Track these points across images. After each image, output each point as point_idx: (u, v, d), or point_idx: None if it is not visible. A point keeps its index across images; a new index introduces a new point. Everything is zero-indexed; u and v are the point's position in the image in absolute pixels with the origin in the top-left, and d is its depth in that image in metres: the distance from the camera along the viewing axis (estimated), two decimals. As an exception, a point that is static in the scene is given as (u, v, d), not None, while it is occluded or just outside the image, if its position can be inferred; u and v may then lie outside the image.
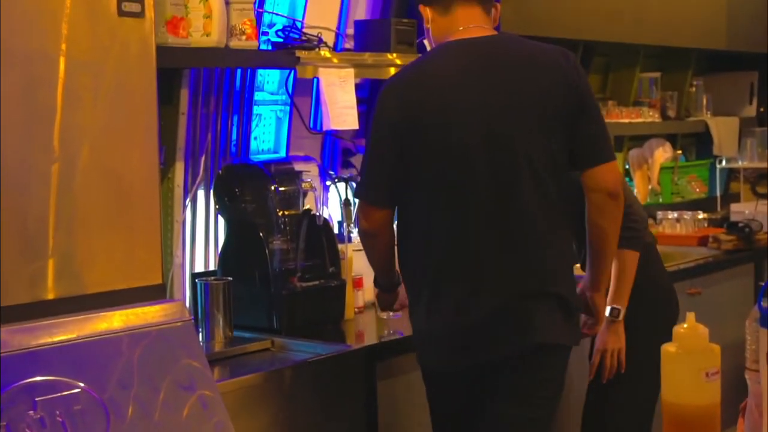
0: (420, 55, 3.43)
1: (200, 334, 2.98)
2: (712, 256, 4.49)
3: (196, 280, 3.05)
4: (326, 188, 3.57)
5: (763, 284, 1.47)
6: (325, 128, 3.43)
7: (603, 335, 3.01)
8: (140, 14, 2.27)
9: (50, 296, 2.13)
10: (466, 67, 2.57)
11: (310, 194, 3.21)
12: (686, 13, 4.95)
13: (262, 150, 3.60)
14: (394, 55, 3.50)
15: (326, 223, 3.19)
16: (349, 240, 3.40)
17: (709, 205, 5.49)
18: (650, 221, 4.92)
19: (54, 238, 2.13)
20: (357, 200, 2.74)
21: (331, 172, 3.70)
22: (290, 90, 3.54)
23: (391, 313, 3.14)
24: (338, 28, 3.58)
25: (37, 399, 1.96)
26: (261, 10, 3.37)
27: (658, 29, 4.75)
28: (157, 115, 2.36)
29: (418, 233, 2.60)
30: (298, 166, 3.25)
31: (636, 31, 4.62)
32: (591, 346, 3.09)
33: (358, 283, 3.35)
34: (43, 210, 2.11)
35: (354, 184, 3.69)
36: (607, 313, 2.93)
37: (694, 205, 5.27)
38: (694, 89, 5.47)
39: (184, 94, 3.22)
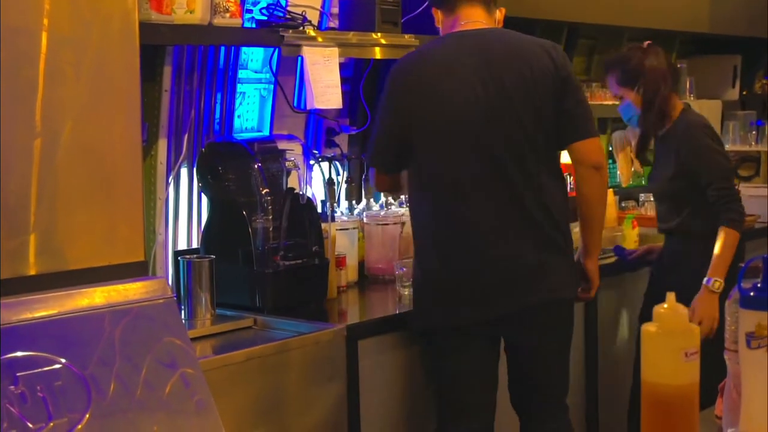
0: (405, 35, 3.48)
1: (182, 312, 2.97)
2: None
3: (179, 258, 3.05)
4: (310, 167, 3.57)
5: (743, 265, 1.48)
6: (308, 107, 3.42)
7: (700, 304, 3.38)
8: (123, -10, 2.26)
9: (31, 272, 2.12)
10: (461, 51, 2.88)
11: (294, 173, 3.20)
12: (670, -4, 4.96)
13: (246, 128, 3.60)
14: (379, 34, 3.50)
15: (309, 202, 3.19)
16: (333, 219, 3.40)
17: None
18: (632, 203, 4.97)
19: (35, 214, 2.12)
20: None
21: (315, 152, 3.70)
22: (274, 68, 3.53)
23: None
24: (323, 6, 3.57)
25: (18, 374, 1.96)
26: (245, -12, 3.36)
27: (642, 12, 4.75)
28: (140, 91, 2.35)
29: (428, 202, 2.89)
30: (281, 145, 3.24)
31: (620, 13, 4.63)
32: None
33: (341, 263, 3.35)
34: (24, 186, 2.10)
35: (338, 164, 3.70)
36: (705, 282, 3.38)
37: (676, 188, 5.28)
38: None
39: (167, 71, 3.21)
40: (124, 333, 2.17)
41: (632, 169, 5.14)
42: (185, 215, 3.39)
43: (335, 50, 3.37)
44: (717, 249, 3.40)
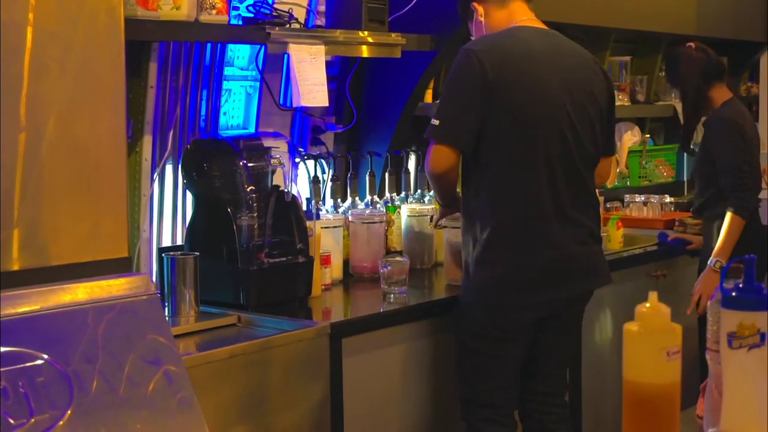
0: (392, 33, 3.49)
1: (166, 309, 2.96)
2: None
3: (163, 255, 3.04)
4: (295, 165, 3.56)
5: (723, 266, 1.49)
6: (294, 105, 3.42)
7: (702, 281, 3.83)
8: (109, -15, 2.25)
9: (15, 267, 2.12)
10: (544, 47, 3.00)
11: (279, 171, 3.20)
12: (657, -2, 4.97)
13: (232, 125, 3.59)
14: (366, 33, 3.50)
15: (294, 199, 3.18)
16: (318, 217, 3.39)
17: (677, 190, 5.53)
18: (617, 204, 4.98)
19: (19, 209, 2.11)
20: (432, 141, 3.00)
21: (301, 149, 3.70)
22: (260, 66, 3.53)
23: (443, 222, 3.43)
24: (309, 4, 3.57)
25: (0, 370, 1.95)
26: (232, -15, 3.35)
27: (629, 13, 4.76)
28: (125, 87, 2.35)
29: (498, 187, 2.94)
30: (267, 142, 3.24)
31: (607, 15, 4.64)
32: None
33: (325, 261, 3.35)
34: (8, 180, 2.10)
35: (323, 162, 3.70)
36: (710, 262, 3.79)
37: (661, 189, 5.31)
38: (663, 74, 5.48)
39: (153, 68, 3.20)
40: (107, 329, 2.16)
41: (617, 170, 5.16)
42: (170, 212, 3.38)
43: (322, 48, 3.37)
44: (722, 232, 3.77)
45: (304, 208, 3.32)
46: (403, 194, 3.91)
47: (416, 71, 3.52)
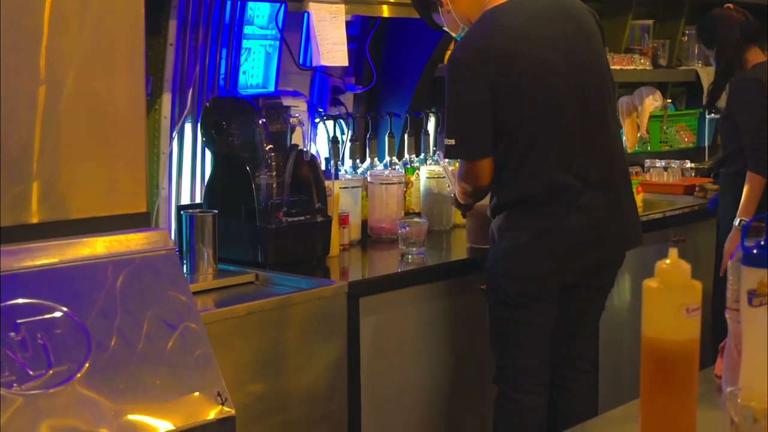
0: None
1: (185, 267, 2.97)
2: (697, 204, 4.50)
3: (182, 212, 3.04)
4: (314, 125, 3.56)
5: (745, 223, 1.47)
6: (314, 64, 3.40)
7: (729, 241, 3.86)
8: (130, -61, 2.24)
9: (33, 220, 2.12)
10: (531, 21, 2.86)
11: (298, 130, 3.19)
12: (681, -39, 4.91)
13: (251, 85, 3.58)
14: (387, -9, 3.47)
15: (313, 159, 3.18)
16: (336, 177, 3.39)
17: (697, 155, 5.49)
18: (637, 168, 4.96)
19: (38, 162, 2.11)
20: (462, 162, 2.99)
21: (320, 110, 3.69)
22: (280, 25, 3.51)
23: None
24: (330, -38, 3.54)
25: (18, 321, 1.96)
26: (253, -58, 3.33)
27: (652, -24, 4.72)
28: (144, 43, 2.33)
29: (522, 159, 2.87)
30: (286, 101, 3.22)
31: (630, -23, 4.60)
32: None
33: (344, 221, 3.35)
34: (28, 133, 2.10)
35: (342, 122, 3.68)
36: (735, 223, 3.83)
37: (682, 154, 5.27)
38: (686, 38, 5.44)
39: (173, 25, 3.19)
40: (125, 283, 2.17)
41: (638, 134, 5.13)
42: (189, 170, 3.38)
43: (342, 7, 3.35)
44: (744, 192, 3.84)
45: (323, 167, 3.31)
46: (422, 156, 3.90)
47: (436, 32, 3.48)
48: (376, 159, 3.76)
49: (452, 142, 2.89)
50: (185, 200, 3.37)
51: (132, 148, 2.31)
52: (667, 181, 4.90)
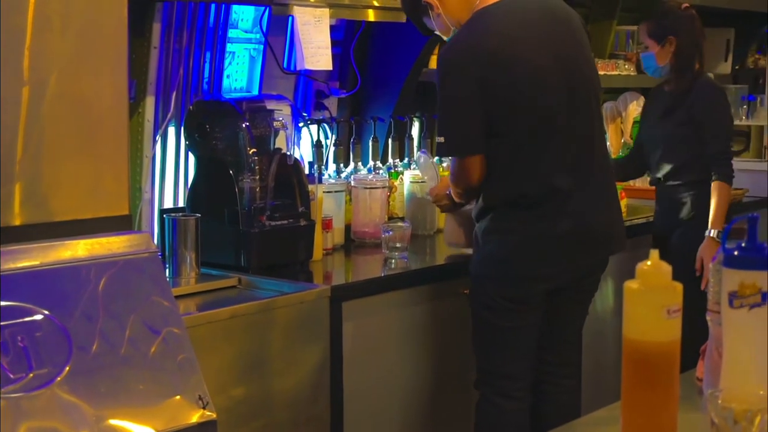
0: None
1: (167, 271, 2.95)
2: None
3: (164, 216, 3.03)
4: (298, 129, 3.56)
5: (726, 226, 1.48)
6: (298, 68, 3.40)
7: (707, 253, 3.72)
8: (112, -59, 2.23)
9: (16, 222, 2.11)
10: (522, 22, 2.86)
11: (282, 134, 3.19)
12: (665, -33, 4.92)
13: (235, 88, 3.57)
14: (371, -4, 3.47)
15: (297, 162, 3.17)
16: (320, 181, 3.39)
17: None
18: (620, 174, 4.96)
19: (21, 164, 2.11)
20: (453, 160, 2.96)
21: (304, 114, 3.68)
22: (264, 28, 3.51)
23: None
24: (315, -34, 3.54)
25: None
26: (237, -54, 3.33)
27: (636, -18, 4.73)
28: (128, 45, 2.33)
29: (510, 161, 2.86)
30: (270, 105, 3.22)
31: (614, -17, 4.61)
32: None
33: (327, 225, 3.35)
34: (10, 134, 2.09)
35: (326, 126, 3.68)
36: (708, 233, 3.74)
37: (665, 160, 5.28)
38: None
39: (157, 28, 3.18)
40: (107, 286, 2.16)
41: (622, 140, 5.14)
42: (172, 173, 3.38)
43: (326, 11, 3.35)
44: (714, 202, 3.74)
45: (307, 171, 3.31)
46: (406, 160, 3.90)
47: (421, 36, 3.49)
48: (359, 163, 3.76)
49: (442, 139, 2.90)
50: (168, 204, 3.36)
51: (114, 150, 2.31)
52: (651, 187, 4.91)
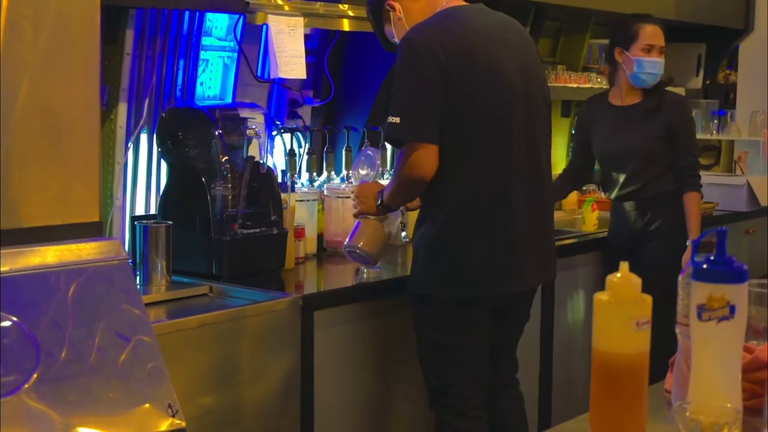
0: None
1: (138, 278, 2.94)
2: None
3: (136, 223, 3.02)
4: (271, 138, 3.55)
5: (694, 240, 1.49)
6: (272, 76, 3.40)
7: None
8: (86, -53, 2.22)
9: (-17, 228, 2.09)
10: (485, 23, 2.84)
11: (255, 142, 3.18)
12: (637, -18, 4.96)
13: (208, 96, 3.57)
14: (346, 6, 3.48)
15: (270, 171, 3.17)
16: (292, 189, 3.38)
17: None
18: (593, 186, 5.00)
19: (-10, 169, 2.09)
20: (405, 144, 2.75)
21: (278, 122, 3.68)
22: (238, 36, 3.51)
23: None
24: (290, -25, 3.54)
25: (-34, 330, 1.93)
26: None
27: (609, -4, 4.76)
28: (100, 52, 2.31)
29: (456, 173, 2.76)
30: (243, 113, 3.21)
31: (588, -3, 4.64)
32: None
33: (299, 234, 3.34)
34: (-21, 140, 2.07)
35: (300, 135, 3.67)
36: (689, 243, 3.67)
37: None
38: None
39: (130, 35, 3.17)
40: (77, 294, 2.14)
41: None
42: (144, 181, 3.36)
43: (301, 20, 3.35)
44: (692, 213, 3.83)
45: (280, 180, 3.30)
46: (379, 170, 3.90)
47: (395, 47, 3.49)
48: (333, 172, 3.76)
49: (396, 120, 2.71)
50: (140, 211, 3.35)
51: (85, 156, 2.29)
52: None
